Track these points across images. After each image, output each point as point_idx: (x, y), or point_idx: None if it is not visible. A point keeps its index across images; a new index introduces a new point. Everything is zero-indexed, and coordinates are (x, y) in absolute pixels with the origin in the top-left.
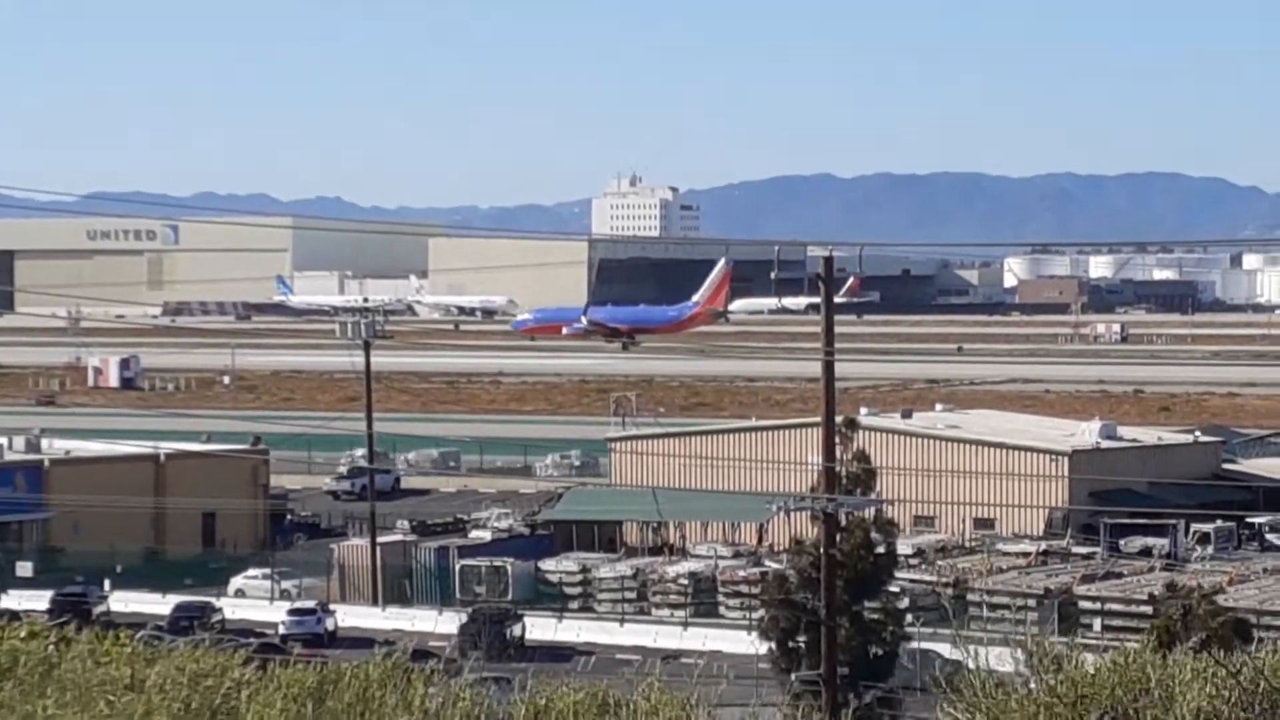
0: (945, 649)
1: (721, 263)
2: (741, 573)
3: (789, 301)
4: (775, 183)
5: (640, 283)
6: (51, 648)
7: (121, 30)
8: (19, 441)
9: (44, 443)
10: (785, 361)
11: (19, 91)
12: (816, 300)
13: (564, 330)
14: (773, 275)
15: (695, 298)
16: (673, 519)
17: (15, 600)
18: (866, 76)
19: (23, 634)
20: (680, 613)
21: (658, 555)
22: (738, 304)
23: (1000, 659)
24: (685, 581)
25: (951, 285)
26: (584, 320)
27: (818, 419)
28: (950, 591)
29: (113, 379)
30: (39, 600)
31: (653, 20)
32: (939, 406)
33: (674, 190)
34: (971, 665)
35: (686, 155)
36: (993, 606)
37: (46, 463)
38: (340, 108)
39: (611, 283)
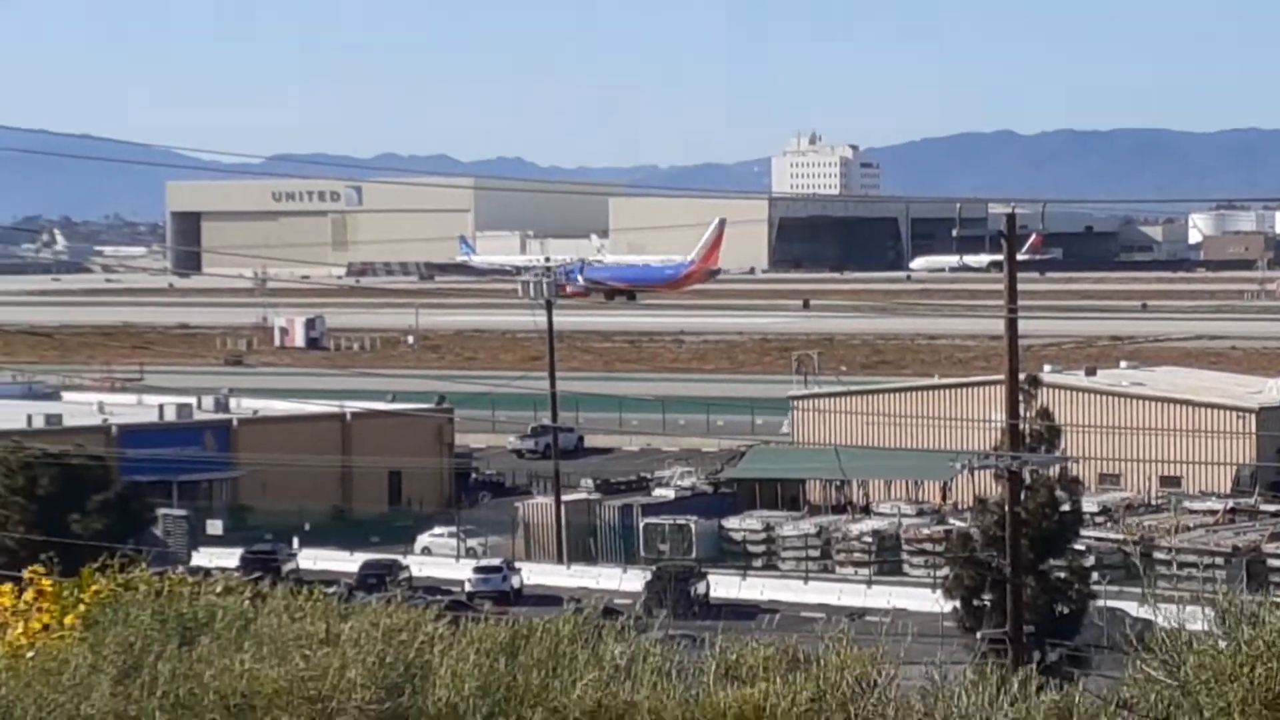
0: (1131, 607)
1: (716, 222)
2: (925, 531)
3: (971, 259)
4: (956, 140)
5: (820, 241)
6: (247, 603)
7: None
8: (208, 401)
9: (232, 402)
10: (967, 319)
11: (205, 55)
12: (998, 257)
13: (566, 289)
14: (954, 233)
15: (691, 256)
16: (855, 477)
17: (206, 558)
18: (1049, 31)
19: (219, 589)
20: (864, 571)
21: (841, 513)
22: (919, 262)
23: (1190, 617)
24: (869, 539)
25: (1135, 242)
26: (580, 279)
27: (1001, 376)
28: (1137, 549)
29: (298, 339)
30: (229, 558)
31: None
32: (1123, 364)
33: (854, 148)
34: (1163, 623)
35: (867, 112)
36: (1180, 565)
37: (235, 422)
38: (520, 68)
39: (791, 241)
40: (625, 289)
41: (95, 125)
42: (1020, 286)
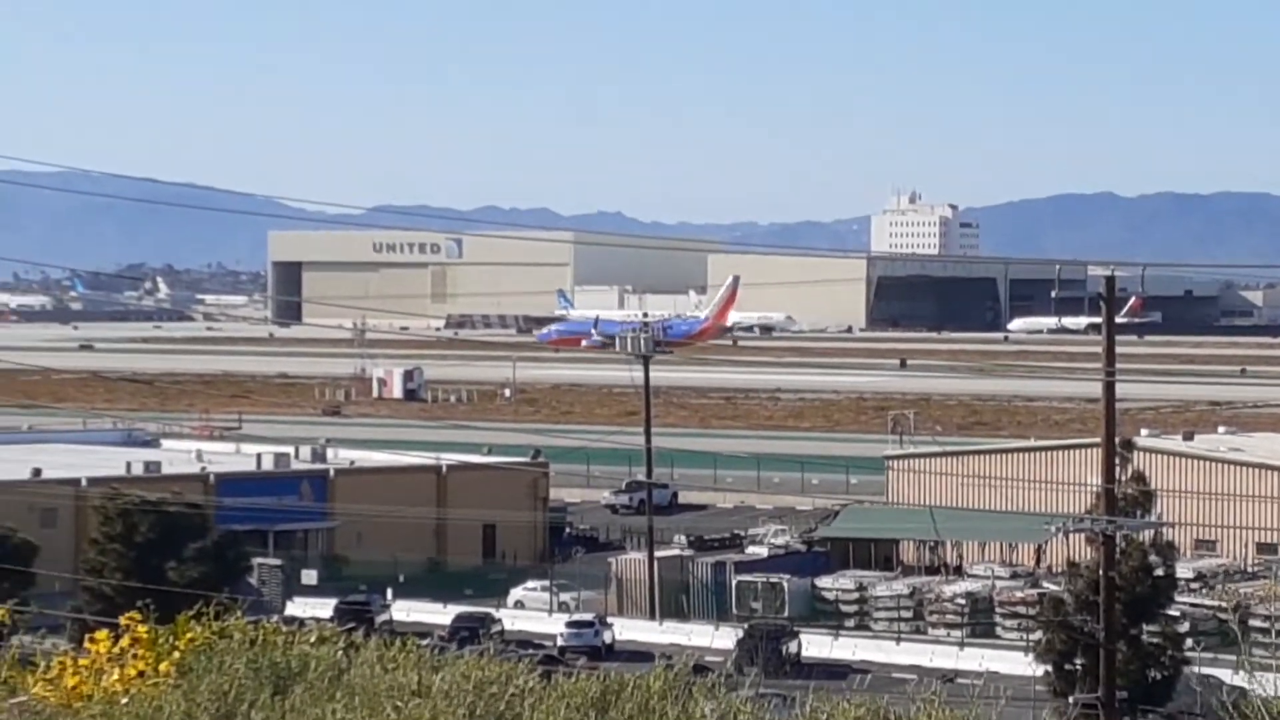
0: (1225, 674)
1: (730, 280)
2: (1019, 593)
3: (1069, 321)
4: (1056, 201)
5: (918, 300)
6: (340, 654)
7: (407, 47)
8: (305, 451)
9: (329, 453)
10: (1065, 381)
11: (310, 107)
12: (1097, 320)
13: (582, 343)
14: (1053, 294)
15: (704, 313)
16: (950, 538)
17: (300, 608)
18: (1150, 94)
19: (312, 639)
20: (957, 633)
21: (934, 574)
22: (1017, 323)
23: None
24: (962, 601)
25: (1235, 306)
26: (594, 333)
27: (1097, 440)
28: (1236, 616)
29: (396, 390)
30: (323, 608)
31: (932, 36)
32: (1221, 429)
33: (953, 207)
34: (1259, 691)
35: (966, 172)
36: (1278, 633)
37: (332, 472)
38: (623, 123)
39: (889, 300)
40: None
41: (200, 174)
42: (1118, 349)
